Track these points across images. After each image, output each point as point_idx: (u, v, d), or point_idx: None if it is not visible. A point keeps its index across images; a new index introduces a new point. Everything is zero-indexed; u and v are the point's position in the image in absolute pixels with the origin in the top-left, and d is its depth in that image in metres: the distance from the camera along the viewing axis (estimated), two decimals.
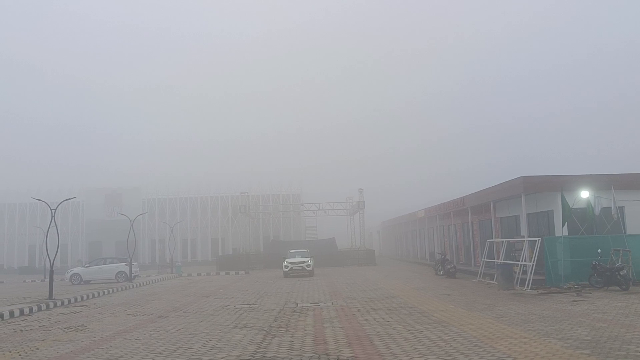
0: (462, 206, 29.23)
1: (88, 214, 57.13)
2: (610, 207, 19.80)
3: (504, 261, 20.90)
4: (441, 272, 27.37)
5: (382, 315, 13.35)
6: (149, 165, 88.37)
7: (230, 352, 9.28)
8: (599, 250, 17.95)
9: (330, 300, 17.83)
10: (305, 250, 34.05)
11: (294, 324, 12.36)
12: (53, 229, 22.29)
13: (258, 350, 9.31)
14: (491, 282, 21.69)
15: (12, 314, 15.71)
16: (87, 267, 33.39)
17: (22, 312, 16.28)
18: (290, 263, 31.52)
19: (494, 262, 23.32)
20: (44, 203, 24.82)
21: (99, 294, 23.06)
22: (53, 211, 20.46)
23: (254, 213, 53.98)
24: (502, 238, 24.62)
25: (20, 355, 9.65)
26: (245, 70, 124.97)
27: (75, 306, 18.82)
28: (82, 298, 21.17)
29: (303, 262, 31.56)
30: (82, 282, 31.85)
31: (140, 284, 29.12)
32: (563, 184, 19.98)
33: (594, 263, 17.58)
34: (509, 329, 10.66)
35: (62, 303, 19.29)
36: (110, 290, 24.70)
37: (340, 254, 45.31)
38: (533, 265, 18.69)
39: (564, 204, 19.06)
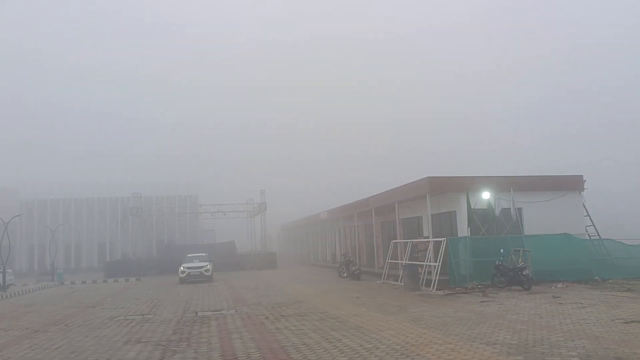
0: (366, 207, 29.10)
1: None
2: (510, 208, 20.35)
3: (410, 262, 20.82)
4: (345, 274, 26.99)
5: (294, 323, 12.40)
6: (27, 164, 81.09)
7: None
8: (502, 250, 18.29)
9: (234, 307, 16.60)
10: (204, 254, 32.34)
11: (196, 337, 11.05)
12: None
13: None
14: (396, 283, 21.55)
15: None
16: None
17: None
18: (187, 268, 29.69)
19: (399, 263, 23.32)
20: None
21: None
22: None
23: (146, 215, 50.85)
24: (405, 239, 24.69)
25: None
26: (140, 57, 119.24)
27: None
28: None
29: (201, 267, 29.85)
30: None
31: (15, 294, 25.87)
32: (467, 185, 20.25)
33: (497, 263, 17.85)
34: (430, 333, 10.15)
35: None
36: None
37: (241, 258, 43.85)
38: (439, 265, 18.68)
39: (469, 205, 19.28)
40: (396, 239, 25.11)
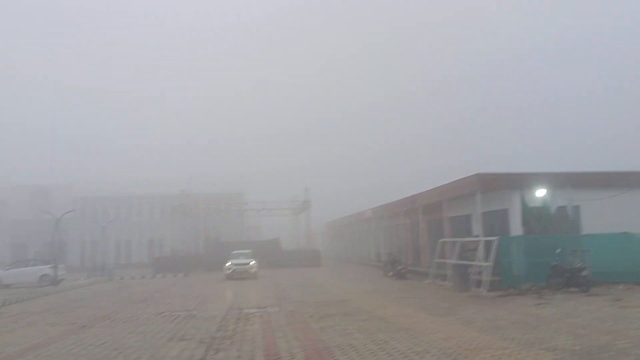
0: (412, 205, 28.45)
1: (12, 213, 52.95)
2: (566, 206, 19.35)
3: (459, 262, 20.09)
4: (390, 273, 26.42)
5: (339, 322, 12.02)
6: (81, 161, 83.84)
7: None
8: (558, 250, 17.36)
9: (278, 304, 16.37)
10: (249, 251, 32.37)
11: (240, 335, 10.82)
12: None
13: None
14: (443, 283, 20.85)
15: None
16: (7, 269, 30.28)
17: None
18: (233, 265, 29.80)
19: (446, 262, 22.59)
20: None
21: (17, 300, 20.55)
22: None
23: (194, 212, 51.58)
24: (452, 238, 23.93)
25: None
26: (182, 66, 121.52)
27: None
28: None
29: (246, 264, 29.91)
30: (0, 287, 28.80)
31: (66, 289, 26.54)
32: (519, 181, 19.37)
33: (553, 264, 16.96)
34: (483, 337, 9.57)
35: None
36: (31, 295, 22.17)
37: (285, 255, 43.82)
38: (490, 266, 17.90)
39: (523, 203, 18.41)
40: (443, 238, 24.36)
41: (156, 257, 46.77)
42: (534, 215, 19.40)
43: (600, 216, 19.86)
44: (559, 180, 19.84)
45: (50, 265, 29.13)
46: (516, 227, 19.56)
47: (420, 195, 27.22)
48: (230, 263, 29.91)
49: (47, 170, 73.68)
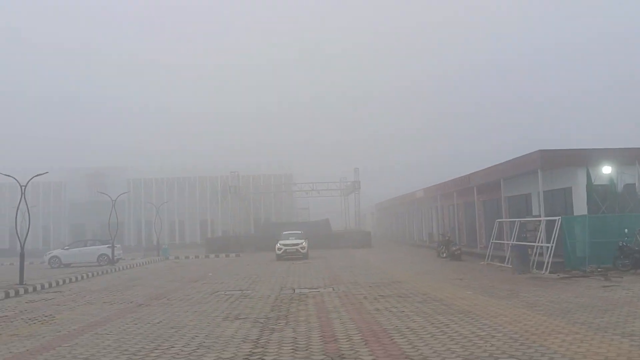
0: (466, 185, 27.59)
1: (71, 195, 54.95)
2: (635, 184, 18.21)
3: (519, 242, 19.32)
4: (444, 254, 25.83)
5: (394, 304, 11.67)
6: (134, 144, 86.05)
7: (221, 353, 7.55)
8: (626, 230, 16.39)
9: (331, 285, 16.16)
10: (300, 232, 32.36)
11: (295, 315, 10.65)
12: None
13: (255, 351, 7.59)
14: (502, 265, 20.16)
15: None
16: (66, 249, 31.43)
17: None
18: (284, 245, 29.86)
19: (505, 243, 21.83)
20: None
21: (76, 278, 21.23)
22: (23, 187, 18.49)
23: (244, 193, 52.10)
24: (510, 218, 23.07)
25: None
26: (235, 45, 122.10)
27: (47, 292, 16.99)
28: (57, 283, 19.33)
29: (297, 244, 29.91)
30: (61, 266, 29.95)
31: (123, 268, 27.31)
32: (584, 158, 18.34)
33: (621, 244, 16.03)
34: (551, 321, 9.02)
35: (34, 289, 17.45)
36: (90, 274, 22.88)
37: (335, 236, 43.69)
38: (552, 246, 17.10)
39: (589, 181, 17.43)
40: (501, 218, 23.52)
41: (208, 237, 47.63)
42: (599, 194, 18.36)
43: None
44: (627, 157, 18.68)
45: (107, 245, 30.00)
46: (580, 206, 18.58)
47: (475, 174, 26.33)
48: (280, 243, 29.98)
49: (102, 154, 76.14)
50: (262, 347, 7.78)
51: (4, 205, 53.93)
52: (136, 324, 10.21)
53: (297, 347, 7.76)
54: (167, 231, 53.10)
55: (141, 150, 79.83)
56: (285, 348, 7.69)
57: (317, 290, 15.05)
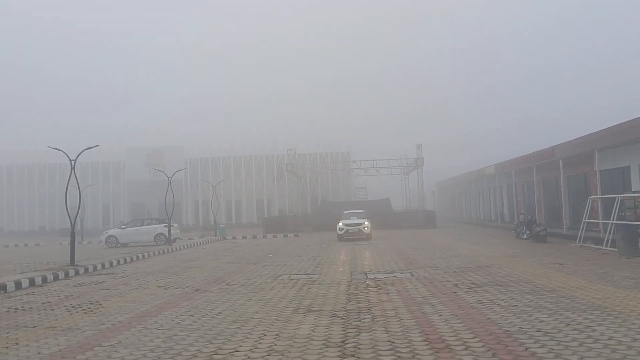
0: (548, 158, 24.80)
1: (130, 174, 55.07)
2: None
3: (624, 222, 16.68)
4: (525, 235, 23.30)
5: (498, 295, 9.57)
6: (191, 123, 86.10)
7: None
8: None
9: (407, 269, 14.19)
10: (362, 211, 30.44)
11: (379, 308, 8.74)
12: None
13: None
14: (600, 247, 17.58)
15: (18, 285, 12.71)
16: (123, 228, 30.75)
17: (32, 283, 13.30)
18: (346, 225, 28.05)
19: (602, 223, 19.17)
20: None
21: (131, 259, 20.13)
22: (73, 162, 17.34)
23: (300, 172, 50.57)
24: (602, 194, 20.30)
25: None
26: (285, 23, 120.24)
27: (100, 274, 15.82)
28: (110, 264, 18.22)
29: (360, 224, 28.04)
30: (118, 245, 29.29)
31: (180, 248, 26.25)
32: None
33: None
34: None
35: (85, 270, 16.34)
36: (145, 254, 21.79)
37: (396, 216, 41.56)
38: None
39: None
40: (593, 195, 20.76)
41: (265, 217, 46.49)
42: None
43: None
44: None
45: (164, 225, 29.07)
46: None
47: (560, 146, 23.53)
48: (342, 223, 28.21)
49: (160, 133, 76.40)
50: (353, 356, 5.91)
51: (64, 185, 54.64)
52: (192, 316, 8.59)
53: (399, 357, 5.84)
54: (223, 211, 52.43)
55: (198, 130, 79.75)
56: (385, 359, 5.79)
57: (393, 275, 13.12)
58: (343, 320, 7.83)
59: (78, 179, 18.12)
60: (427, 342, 6.39)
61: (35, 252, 29.54)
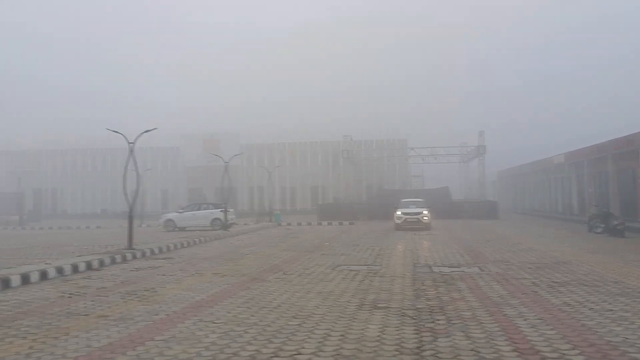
0: (627, 147, 22.96)
1: (188, 160, 55.86)
2: None
3: None
4: (600, 229, 21.68)
5: (586, 297, 8.53)
6: (246, 109, 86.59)
7: None
8: None
9: (474, 263, 13.21)
10: (421, 200, 29.39)
11: (453, 308, 7.90)
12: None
13: None
14: None
15: (75, 268, 12.59)
16: (181, 212, 30.96)
17: (89, 266, 13.17)
18: (404, 214, 27.11)
19: None
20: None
21: (188, 243, 19.99)
22: (131, 145, 17.24)
23: (356, 159, 49.73)
24: None
25: (30, 347, 6.00)
26: (350, 12, 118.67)
27: (157, 259, 15.64)
28: (167, 248, 18.08)
29: (418, 213, 27.03)
30: (176, 229, 29.48)
31: (235, 233, 26.06)
32: None
33: None
34: None
35: (143, 254, 16.20)
36: (202, 239, 21.64)
37: (456, 205, 40.14)
38: None
39: None
40: None
41: (320, 204, 46.03)
42: None
43: None
44: None
45: (221, 209, 29.03)
46: None
47: None
48: (400, 212, 27.28)
49: (216, 119, 77.19)
50: None
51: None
52: (249, 308, 8.03)
53: None
54: (278, 197, 52.36)
55: (254, 115, 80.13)
56: None
57: (460, 269, 12.19)
58: (414, 321, 7.05)
59: (137, 163, 18.05)
60: (517, 353, 5.53)
61: (95, 234, 30.17)
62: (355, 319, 7.21)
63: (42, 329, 6.81)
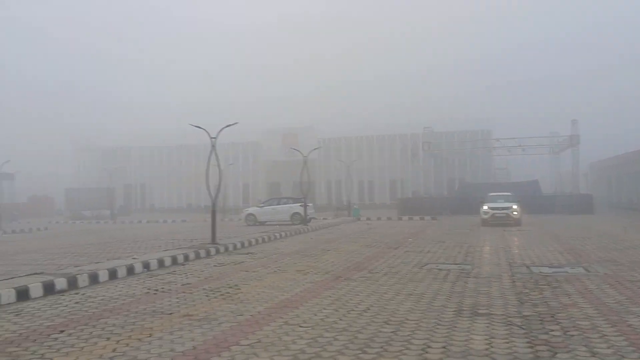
0: None
1: (267, 155, 56.58)
2: None
3: None
4: None
5: None
6: (323, 103, 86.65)
7: None
8: None
9: (578, 263, 12.01)
10: (509, 194, 27.86)
11: (564, 315, 6.99)
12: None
13: None
14: None
15: (161, 263, 12.65)
16: (261, 207, 31.18)
17: (174, 261, 13.22)
18: (491, 209, 25.76)
19: None
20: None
21: (269, 238, 19.88)
22: (213, 140, 17.29)
23: (437, 151, 48.21)
24: None
25: (113, 349, 5.78)
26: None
27: (239, 254, 15.55)
28: (249, 243, 18.03)
29: (508, 208, 25.60)
30: (256, 223, 29.69)
31: (315, 228, 25.79)
32: None
33: None
34: None
35: (226, 249, 16.19)
36: (283, 234, 21.50)
37: (546, 200, 37.90)
38: None
39: None
40: None
41: (400, 198, 45.05)
42: None
43: None
44: None
45: (300, 204, 28.91)
46: None
47: None
48: (487, 207, 25.94)
49: (294, 114, 77.74)
50: None
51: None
52: (337, 310, 7.51)
53: None
54: (356, 191, 51.84)
55: (331, 109, 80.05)
56: None
57: (563, 270, 11.07)
58: (524, 332, 6.24)
59: (219, 158, 18.13)
60: None
61: (181, 228, 31.00)
62: (455, 327, 6.50)
63: (126, 329, 6.62)
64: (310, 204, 29.73)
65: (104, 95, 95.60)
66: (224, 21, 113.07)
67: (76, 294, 9.25)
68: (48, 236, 26.72)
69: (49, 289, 9.12)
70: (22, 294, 8.60)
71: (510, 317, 6.99)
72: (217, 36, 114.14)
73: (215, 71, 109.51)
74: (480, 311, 7.34)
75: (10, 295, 8.39)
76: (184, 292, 9.24)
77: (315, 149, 35.07)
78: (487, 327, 6.48)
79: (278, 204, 30.79)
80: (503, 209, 25.62)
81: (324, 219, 33.80)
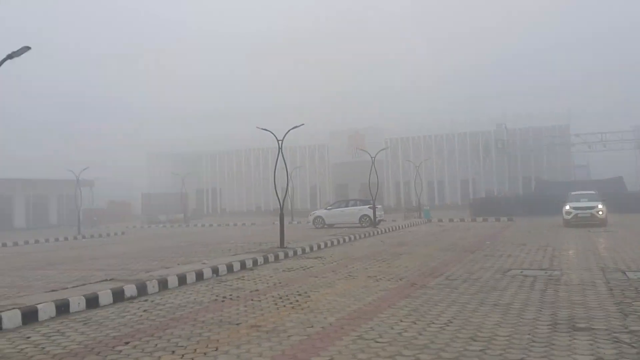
0: None
1: (334, 157, 56.23)
2: None
3: None
4: None
5: None
6: (389, 102, 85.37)
7: None
8: None
9: None
10: (593, 192, 26.01)
11: None
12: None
13: None
14: None
15: (230, 268, 12.45)
16: (329, 209, 30.78)
17: (243, 266, 12.99)
18: (574, 208, 24.13)
19: None
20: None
21: (337, 241, 19.40)
22: (280, 142, 17.04)
23: (510, 149, 46.13)
24: None
25: None
26: None
27: (308, 258, 15.16)
28: (318, 247, 17.62)
29: (592, 208, 23.90)
30: (325, 226, 29.29)
31: (385, 230, 25.09)
32: None
33: None
34: None
35: (295, 253, 15.86)
36: (352, 237, 20.97)
37: (633, 198, 35.27)
38: None
39: None
40: None
41: (472, 198, 43.43)
42: None
43: None
44: None
45: (369, 206, 28.28)
46: None
47: None
48: (570, 206, 24.33)
49: (359, 114, 77.03)
50: None
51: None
52: (415, 323, 6.88)
53: None
54: (425, 191, 50.49)
55: (398, 109, 78.78)
56: None
57: None
58: (637, 351, 5.39)
59: (286, 161, 17.90)
60: None
61: (250, 231, 31.15)
62: (552, 344, 5.73)
63: (192, 341, 6.31)
64: (379, 206, 29.03)
65: (180, 106, 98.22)
66: (289, 24, 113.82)
67: (145, 301, 9.13)
68: (124, 241, 27.52)
69: (118, 296, 9.05)
70: (92, 302, 8.56)
71: (614, 332, 6.13)
72: (281, 42, 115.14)
73: (280, 76, 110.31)
74: (579, 325, 6.51)
75: (80, 302, 8.36)
76: (252, 300, 8.91)
77: (382, 149, 34.34)
78: (591, 344, 5.67)
79: (346, 206, 30.26)
80: (587, 208, 23.93)
81: (393, 221, 32.96)
